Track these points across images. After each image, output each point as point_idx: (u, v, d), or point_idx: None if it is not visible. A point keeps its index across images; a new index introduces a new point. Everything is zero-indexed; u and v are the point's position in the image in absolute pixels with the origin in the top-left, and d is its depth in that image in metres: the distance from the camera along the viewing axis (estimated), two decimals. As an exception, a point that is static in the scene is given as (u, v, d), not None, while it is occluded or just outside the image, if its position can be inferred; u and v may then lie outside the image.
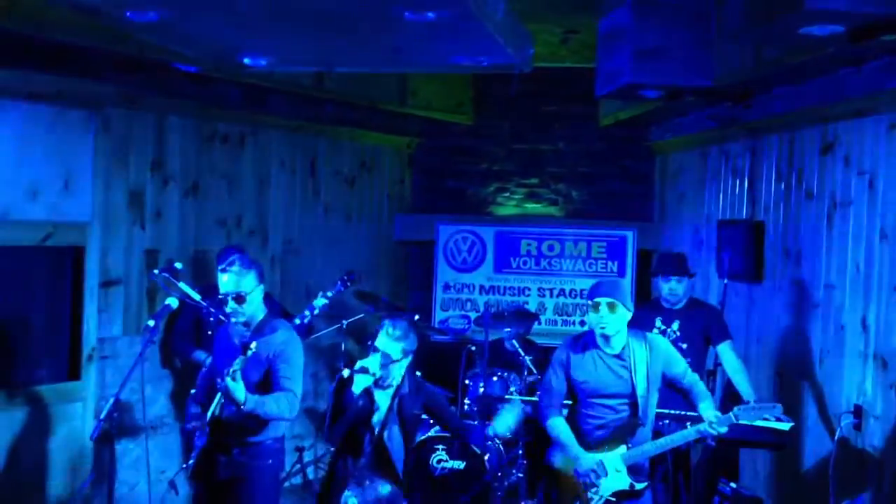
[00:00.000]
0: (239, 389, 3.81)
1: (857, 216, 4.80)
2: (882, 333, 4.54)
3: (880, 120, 4.64)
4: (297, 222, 7.05)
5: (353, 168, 7.65)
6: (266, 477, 4.11)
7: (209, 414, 4.09)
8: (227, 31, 3.62)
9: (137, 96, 5.68)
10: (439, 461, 5.79)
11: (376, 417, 4.15)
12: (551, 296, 8.02)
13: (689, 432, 4.19)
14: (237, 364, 3.76)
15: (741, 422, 4.14)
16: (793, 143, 5.53)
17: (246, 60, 4.10)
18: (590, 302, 4.21)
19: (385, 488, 4.12)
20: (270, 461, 4.13)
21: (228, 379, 3.77)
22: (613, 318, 4.15)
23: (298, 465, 6.72)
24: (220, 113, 6.31)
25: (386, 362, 4.09)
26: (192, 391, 4.47)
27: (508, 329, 6.44)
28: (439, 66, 4.40)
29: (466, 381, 6.45)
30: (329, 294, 5.74)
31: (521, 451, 6.08)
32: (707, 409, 4.19)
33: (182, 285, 5.19)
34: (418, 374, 4.58)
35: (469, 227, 8.17)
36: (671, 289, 5.34)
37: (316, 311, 5.65)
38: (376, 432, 4.12)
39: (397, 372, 4.17)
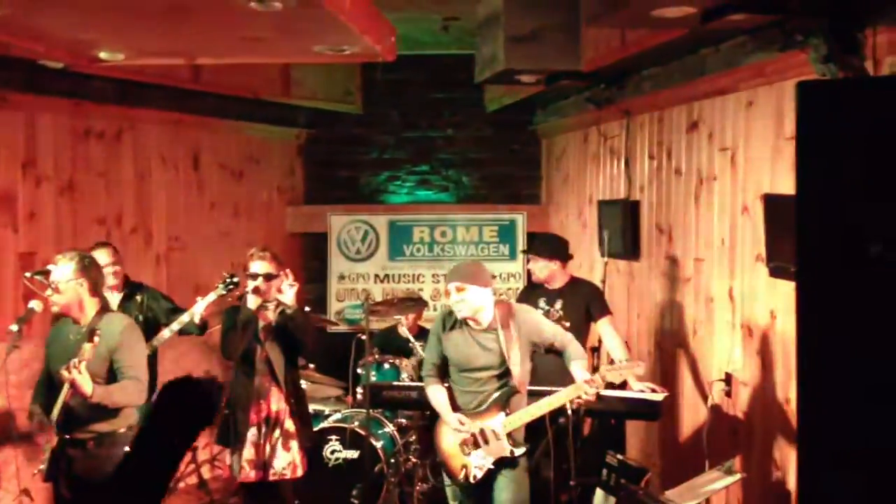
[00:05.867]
0: (85, 382, 3.89)
1: (721, 191, 4.98)
2: (747, 303, 4.72)
3: (739, 98, 4.81)
4: (181, 218, 6.93)
5: (239, 161, 7.56)
6: None
7: (53, 413, 4.06)
8: (76, 25, 3.53)
9: (5, 95, 5.49)
10: (333, 452, 5.80)
11: (263, 331, 4.92)
12: (445, 282, 8.07)
13: (561, 393, 4.33)
14: (86, 352, 3.79)
15: (608, 380, 4.33)
16: (662, 122, 5.70)
17: (102, 54, 4.02)
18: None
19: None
20: (127, 449, 4.11)
21: (74, 371, 3.84)
22: (466, 300, 4.28)
23: (193, 465, 6.62)
24: (94, 109, 6.15)
25: (269, 279, 4.86)
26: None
27: (398, 316, 6.49)
28: (301, 55, 4.39)
29: (359, 371, 6.45)
30: (211, 297, 5.37)
31: (414, 437, 6.13)
32: (577, 370, 4.37)
33: (56, 287, 5.06)
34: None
35: (362, 218, 8.18)
36: (529, 268, 5.54)
37: (196, 318, 5.36)
38: (265, 345, 4.90)
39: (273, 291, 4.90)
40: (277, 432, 4.90)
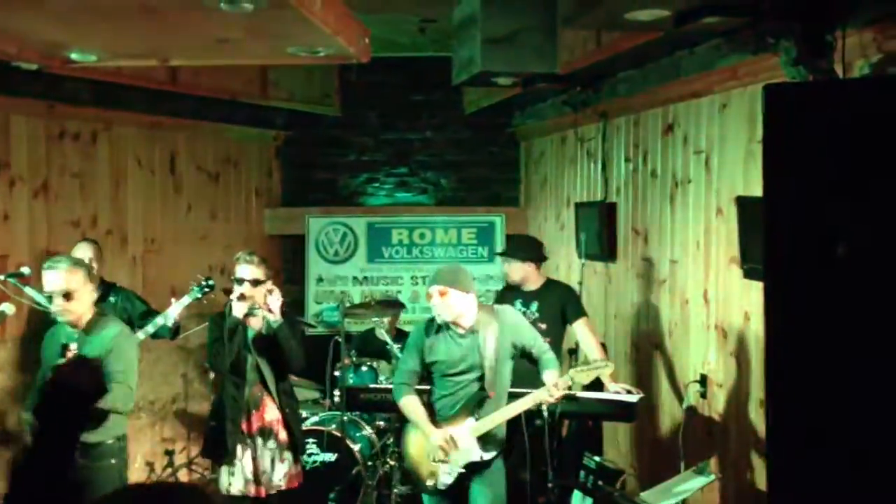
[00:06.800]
0: None
1: (696, 194, 5.00)
2: (721, 305, 4.75)
3: (713, 101, 4.84)
4: (157, 221, 6.89)
5: (216, 163, 7.53)
6: (111, 477, 4.07)
7: None
8: (46, 26, 3.50)
9: (-23, 98, 5.44)
10: (310, 455, 5.78)
11: (252, 339, 4.75)
12: (424, 284, 8.07)
13: (529, 397, 4.34)
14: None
15: (577, 381, 4.35)
16: (638, 124, 5.72)
17: (74, 55, 3.99)
18: None
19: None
20: (113, 461, 4.10)
21: None
22: (447, 304, 4.27)
23: (170, 469, 6.58)
24: (69, 111, 6.10)
25: (255, 284, 4.67)
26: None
27: (376, 318, 6.48)
28: (275, 57, 4.38)
29: (336, 373, 6.44)
30: (185, 301, 5.39)
31: (391, 440, 6.12)
32: (549, 375, 4.37)
33: (28, 290, 5.03)
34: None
35: (340, 220, 8.17)
36: (505, 270, 5.55)
37: (169, 321, 5.33)
38: (255, 354, 4.74)
39: (259, 296, 4.68)
40: (273, 443, 4.76)
